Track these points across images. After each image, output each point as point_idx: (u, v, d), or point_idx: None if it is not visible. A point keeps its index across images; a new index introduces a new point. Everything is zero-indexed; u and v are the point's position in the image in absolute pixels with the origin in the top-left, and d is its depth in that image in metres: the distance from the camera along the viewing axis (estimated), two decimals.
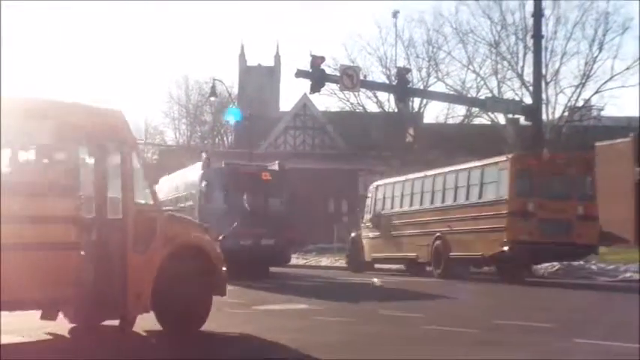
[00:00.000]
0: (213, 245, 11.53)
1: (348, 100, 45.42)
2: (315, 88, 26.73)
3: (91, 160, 10.71)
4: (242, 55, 65.25)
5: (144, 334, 10.86)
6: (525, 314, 13.24)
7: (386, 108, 45.84)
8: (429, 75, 45.05)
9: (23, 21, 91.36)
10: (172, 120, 66.36)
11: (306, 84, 27.01)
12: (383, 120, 45.40)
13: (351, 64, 34.34)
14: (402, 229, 26.66)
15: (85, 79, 79.78)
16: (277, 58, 65.80)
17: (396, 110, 45.65)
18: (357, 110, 46.38)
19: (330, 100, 52.67)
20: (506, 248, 21.45)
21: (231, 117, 44.01)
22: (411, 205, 26.58)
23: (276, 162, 24.90)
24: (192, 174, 25.52)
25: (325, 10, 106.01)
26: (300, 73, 26.54)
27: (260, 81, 61.31)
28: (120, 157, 10.53)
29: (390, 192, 28.01)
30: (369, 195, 29.62)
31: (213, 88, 43.23)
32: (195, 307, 10.97)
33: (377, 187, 29.15)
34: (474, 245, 22.61)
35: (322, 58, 26.68)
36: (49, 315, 10.59)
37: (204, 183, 23.56)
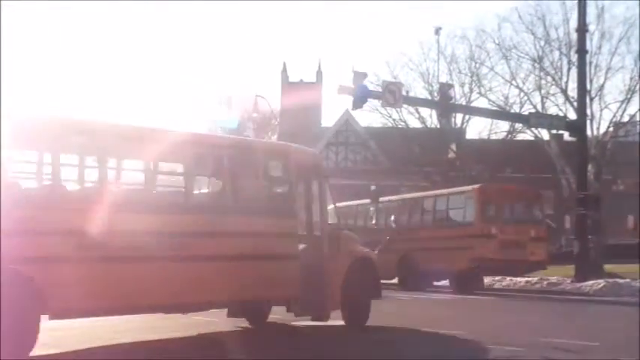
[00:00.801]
0: (376, 258, 14.90)
1: (390, 116, 45.36)
2: (358, 104, 26.48)
3: (301, 189, 13.61)
4: (284, 72, 65.01)
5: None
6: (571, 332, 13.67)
7: (428, 124, 45.66)
8: (471, 90, 44.64)
9: (46, 22, 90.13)
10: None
11: (348, 100, 26.98)
12: (425, 136, 45.18)
13: (394, 80, 34.23)
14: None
15: (124, 98, 79.82)
16: (319, 74, 65.53)
17: (438, 126, 45.52)
18: (400, 126, 46.19)
19: (372, 116, 50.84)
20: (473, 265, 24.93)
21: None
22: (392, 222, 28.77)
23: None
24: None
25: (368, 27, 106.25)
26: (343, 90, 26.35)
27: (302, 97, 59.88)
28: (318, 187, 13.76)
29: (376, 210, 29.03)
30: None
31: (255, 104, 44.14)
32: (366, 306, 14.13)
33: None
34: (442, 260, 25.68)
35: (365, 75, 26.55)
36: (233, 313, 13.88)
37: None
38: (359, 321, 14.03)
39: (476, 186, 26.83)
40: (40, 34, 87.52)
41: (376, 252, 17.67)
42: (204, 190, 13.04)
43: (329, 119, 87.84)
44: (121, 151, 11.30)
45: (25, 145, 10.41)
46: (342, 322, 13.98)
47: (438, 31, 45.03)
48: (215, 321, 14.32)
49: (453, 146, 45.09)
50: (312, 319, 13.65)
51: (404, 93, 28.93)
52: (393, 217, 28.77)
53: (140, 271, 10.68)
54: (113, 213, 10.35)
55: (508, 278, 27.95)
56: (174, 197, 11.71)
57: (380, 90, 27.70)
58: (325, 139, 55.61)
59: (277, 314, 14.31)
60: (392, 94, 26.67)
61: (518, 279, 27.86)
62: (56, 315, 10.03)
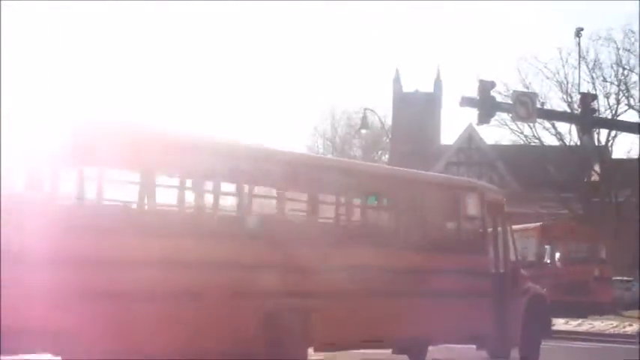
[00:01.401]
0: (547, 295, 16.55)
1: (521, 132, 45.08)
2: (484, 118, 25.84)
3: (488, 226, 15.18)
4: (397, 80, 64.47)
5: None
6: None
7: (567, 141, 45.00)
8: (618, 102, 44.02)
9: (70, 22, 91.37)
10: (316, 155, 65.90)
11: (472, 114, 27.57)
12: (563, 155, 44.42)
13: (526, 90, 35.02)
14: None
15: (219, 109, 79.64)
16: (438, 83, 64.79)
17: (578, 144, 44.89)
18: (533, 144, 45.79)
19: (500, 132, 50.58)
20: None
21: None
22: None
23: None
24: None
25: (495, 28, 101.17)
26: (466, 101, 25.85)
27: (418, 110, 60.38)
28: (502, 224, 15.38)
29: None
30: None
31: (364, 118, 42.79)
32: (538, 345, 15.65)
33: None
34: None
35: (492, 84, 25.96)
36: (398, 350, 14.46)
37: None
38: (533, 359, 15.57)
39: (537, 225, 29.33)
40: (54, 34, 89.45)
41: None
42: (402, 226, 14.08)
43: (449, 136, 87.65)
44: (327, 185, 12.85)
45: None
46: None
47: (579, 32, 43.26)
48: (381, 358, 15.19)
49: (597, 167, 44.67)
50: (492, 357, 15.34)
51: (538, 105, 28.25)
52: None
53: (368, 308, 12.45)
54: (344, 248, 12.37)
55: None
56: (378, 233, 13.24)
57: (510, 102, 27.33)
58: (445, 158, 54.76)
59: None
60: (524, 107, 26.18)
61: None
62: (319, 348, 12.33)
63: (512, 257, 15.68)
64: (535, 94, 29.97)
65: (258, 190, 12.30)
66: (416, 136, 58.61)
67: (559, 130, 44.56)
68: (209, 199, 11.25)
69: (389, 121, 61.62)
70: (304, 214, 12.40)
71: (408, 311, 13.02)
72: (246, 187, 11.62)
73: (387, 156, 61.19)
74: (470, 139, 53.76)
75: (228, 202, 12.21)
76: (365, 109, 44.59)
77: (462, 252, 14.20)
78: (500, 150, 49.91)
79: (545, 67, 45.04)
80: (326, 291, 11.74)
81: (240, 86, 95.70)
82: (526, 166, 45.60)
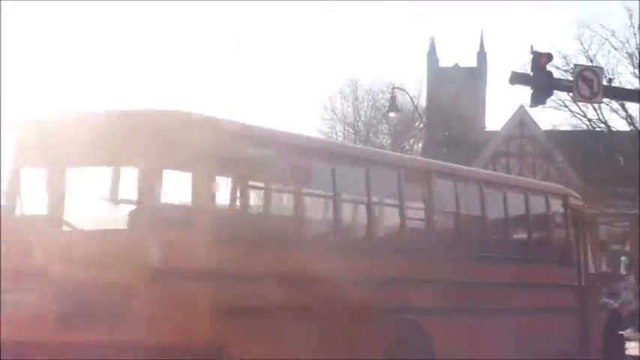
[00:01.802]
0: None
1: (584, 116, 42.76)
2: (539, 98, 24.98)
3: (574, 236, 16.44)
4: (432, 53, 62.37)
5: None
6: None
7: (639, 125, 42.48)
8: None
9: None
10: None
11: (523, 93, 25.49)
12: (635, 143, 41.53)
13: (590, 65, 33.43)
14: None
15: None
16: (482, 55, 62.73)
17: None
18: (598, 129, 43.55)
19: (558, 116, 47.78)
20: None
21: None
22: None
23: None
24: None
25: None
26: (517, 78, 24.76)
27: (458, 89, 58.16)
28: (583, 234, 16.53)
29: None
30: None
31: (392, 99, 40.57)
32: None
33: None
34: None
35: (549, 56, 24.65)
36: None
37: None
38: None
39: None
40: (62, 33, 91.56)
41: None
42: (514, 237, 15.43)
43: (496, 120, 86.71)
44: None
45: None
46: None
47: None
48: None
49: None
50: None
51: (604, 82, 26.64)
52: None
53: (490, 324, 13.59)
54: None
55: None
56: (495, 245, 14.43)
57: (570, 78, 26.65)
58: (491, 147, 51.20)
59: None
60: (588, 84, 25.01)
61: None
62: None
63: (592, 268, 16.68)
64: (601, 69, 28.02)
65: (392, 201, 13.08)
66: (455, 121, 56.63)
67: (630, 112, 41.95)
68: (363, 213, 12.45)
69: (422, 103, 60.50)
70: (438, 227, 13.47)
71: (508, 327, 13.75)
72: (395, 200, 12.77)
73: (420, 144, 58.11)
74: (521, 124, 50.74)
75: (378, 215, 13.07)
76: (393, 87, 43.13)
77: (549, 263, 15.31)
78: (559, 137, 46.79)
79: (613, 35, 42.80)
80: (445, 307, 12.66)
81: (246, 60, 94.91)
82: (590, 157, 43.42)
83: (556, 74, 27.82)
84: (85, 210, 10.68)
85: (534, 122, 49.72)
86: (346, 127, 64.74)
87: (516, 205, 14.82)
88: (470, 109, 60.61)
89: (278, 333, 10.42)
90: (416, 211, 13.16)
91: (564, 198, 16.14)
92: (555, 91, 27.26)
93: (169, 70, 79.04)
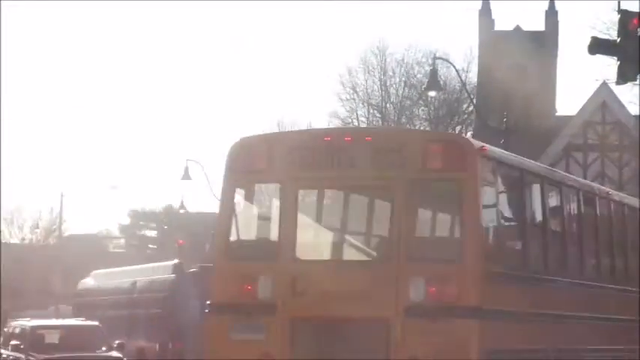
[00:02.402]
0: None
1: None
2: (627, 72, 21.95)
3: None
4: (485, 13, 57.82)
5: None
6: None
7: None
8: None
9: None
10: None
11: (607, 67, 24.29)
12: None
13: None
14: None
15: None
16: (551, 16, 58.09)
17: None
18: None
19: None
20: None
21: None
22: None
23: None
24: None
25: None
26: (599, 46, 22.42)
27: (519, 59, 53.90)
28: None
29: None
30: None
31: (432, 74, 33.98)
32: None
33: None
34: None
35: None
36: None
37: None
38: None
39: None
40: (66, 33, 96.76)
41: None
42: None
43: (569, 102, 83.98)
44: None
45: None
46: None
47: None
48: None
49: None
50: None
51: None
52: None
53: None
54: None
55: None
56: None
57: None
58: (563, 138, 45.56)
59: None
60: None
61: None
62: None
63: None
64: None
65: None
66: (516, 102, 50.39)
67: None
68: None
69: (473, 78, 55.60)
70: None
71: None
72: None
73: (468, 133, 51.20)
74: (603, 107, 45.20)
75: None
76: (434, 58, 37.86)
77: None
78: None
79: None
80: None
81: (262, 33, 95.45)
82: None
83: None
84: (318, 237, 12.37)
85: (621, 105, 45.19)
86: (371, 110, 57.86)
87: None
88: (535, 86, 55.90)
89: None
90: None
91: None
92: None
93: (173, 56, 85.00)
